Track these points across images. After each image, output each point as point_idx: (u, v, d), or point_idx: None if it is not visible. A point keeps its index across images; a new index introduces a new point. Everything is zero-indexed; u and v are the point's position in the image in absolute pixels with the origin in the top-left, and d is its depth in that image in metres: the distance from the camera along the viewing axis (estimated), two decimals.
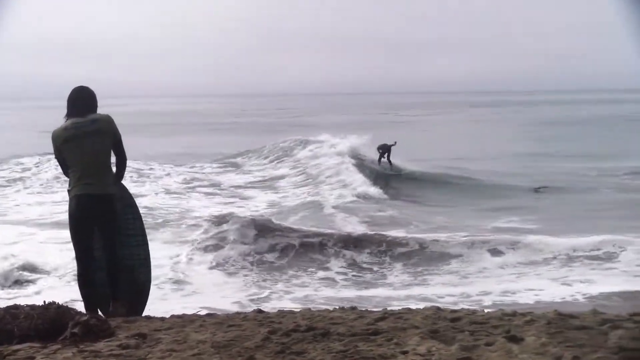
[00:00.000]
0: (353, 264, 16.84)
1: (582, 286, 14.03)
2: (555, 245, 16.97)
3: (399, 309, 8.27)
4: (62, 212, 20.45)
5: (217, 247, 17.35)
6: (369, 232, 18.90)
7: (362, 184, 28.57)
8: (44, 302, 7.19)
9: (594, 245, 16.82)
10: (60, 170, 8.95)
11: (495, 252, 17.12)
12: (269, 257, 16.91)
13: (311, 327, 6.82)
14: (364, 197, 26.47)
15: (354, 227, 20.15)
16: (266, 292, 14.53)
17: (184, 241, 18.14)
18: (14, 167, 35.51)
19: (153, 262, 9.41)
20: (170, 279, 14.97)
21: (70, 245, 8.63)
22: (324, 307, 10.20)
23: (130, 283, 8.77)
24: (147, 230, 9.22)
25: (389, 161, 32.49)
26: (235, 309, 12.43)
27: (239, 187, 30.89)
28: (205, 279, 15.27)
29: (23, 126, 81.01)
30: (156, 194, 27.56)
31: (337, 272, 16.37)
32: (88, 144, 8.28)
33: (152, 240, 11.33)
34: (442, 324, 6.84)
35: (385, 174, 31.55)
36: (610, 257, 16.04)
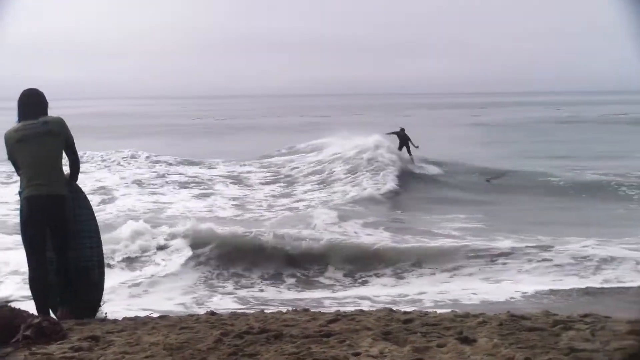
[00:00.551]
0: (295, 265, 16.78)
1: (518, 285, 14.12)
2: (486, 245, 16.97)
3: (351, 311, 8.33)
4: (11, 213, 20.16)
5: (163, 249, 17.16)
6: (311, 234, 18.70)
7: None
8: None
9: (528, 243, 17.00)
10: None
11: (429, 253, 17.00)
12: (214, 261, 16.73)
13: (264, 329, 6.81)
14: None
15: (292, 226, 19.94)
16: (212, 294, 14.44)
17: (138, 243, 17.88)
18: None
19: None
20: (122, 283, 14.79)
21: (22, 247, 8.50)
22: (274, 309, 10.20)
23: (85, 284, 8.69)
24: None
25: (410, 152, 31.23)
26: (179, 310, 12.37)
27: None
28: (152, 281, 15.10)
29: None
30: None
31: (280, 274, 16.33)
32: (39, 146, 8.18)
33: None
34: (394, 325, 6.90)
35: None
36: (542, 255, 16.13)
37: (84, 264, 8.73)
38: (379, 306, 10.51)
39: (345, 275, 16.11)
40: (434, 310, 8.91)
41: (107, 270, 9.46)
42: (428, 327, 6.81)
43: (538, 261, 15.44)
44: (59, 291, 8.49)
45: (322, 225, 20.14)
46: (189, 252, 16.77)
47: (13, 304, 7.25)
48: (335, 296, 14.22)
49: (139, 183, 30.43)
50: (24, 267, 8.87)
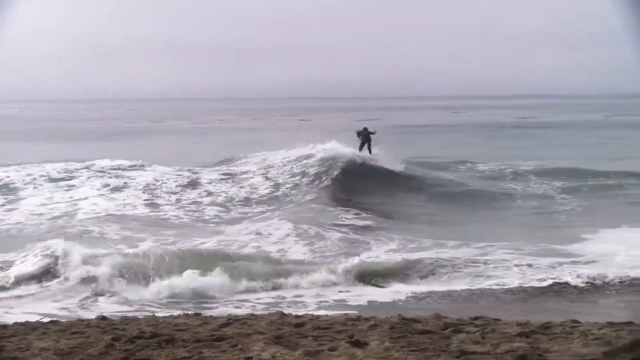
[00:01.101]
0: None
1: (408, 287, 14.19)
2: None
3: (243, 315, 8.38)
4: None
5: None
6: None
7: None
8: None
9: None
10: None
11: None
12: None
13: (155, 333, 6.80)
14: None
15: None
16: (96, 298, 13.98)
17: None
18: None
19: None
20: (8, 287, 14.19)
21: None
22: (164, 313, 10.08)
23: None
24: None
25: (370, 150, 30.24)
26: (64, 314, 12.05)
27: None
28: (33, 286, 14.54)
29: None
30: None
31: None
32: None
33: None
34: (286, 329, 7.01)
35: None
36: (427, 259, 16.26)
37: None
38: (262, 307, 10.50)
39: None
40: (326, 314, 9.04)
41: None
42: (320, 330, 6.93)
43: (423, 265, 15.62)
44: None
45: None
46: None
47: None
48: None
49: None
50: None
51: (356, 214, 22.04)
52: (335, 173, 28.37)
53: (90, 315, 9.91)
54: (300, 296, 13.23)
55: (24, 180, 26.77)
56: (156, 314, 8.94)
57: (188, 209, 22.89)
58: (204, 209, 22.98)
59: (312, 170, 28.96)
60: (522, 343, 6.30)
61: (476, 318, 7.59)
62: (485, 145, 48.62)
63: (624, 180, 27.62)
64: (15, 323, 7.86)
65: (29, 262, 14.77)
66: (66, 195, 24.50)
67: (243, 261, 14.81)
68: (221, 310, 10.52)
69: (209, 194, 25.52)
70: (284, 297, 13.22)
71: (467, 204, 24.35)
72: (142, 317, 8.49)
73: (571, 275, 13.30)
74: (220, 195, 25.24)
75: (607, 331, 6.81)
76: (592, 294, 12.34)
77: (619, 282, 12.90)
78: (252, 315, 8.45)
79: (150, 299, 12.67)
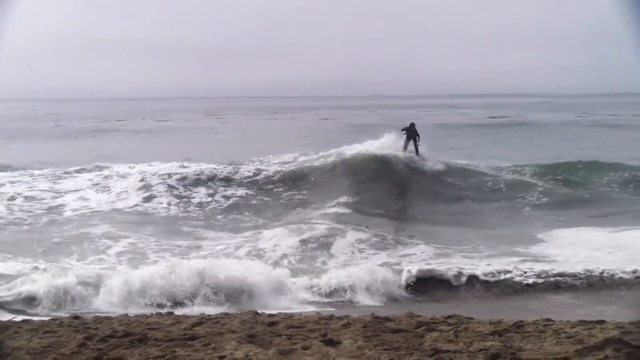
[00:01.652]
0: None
1: None
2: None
3: (216, 314, 8.38)
4: None
5: None
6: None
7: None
8: None
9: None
10: None
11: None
12: None
13: (128, 332, 6.81)
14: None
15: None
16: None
17: None
18: None
19: None
20: None
21: None
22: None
23: None
24: None
25: (416, 147, 28.12)
26: (35, 312, 11.94)
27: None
28: None
29: None
30: None
31: None
32: None
33: None
34: (259, 328, 7.04)
35: None
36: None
37: None
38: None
39: None
40: (299, 312, 9.08)
41: None
42: (293, 329, 6.97)
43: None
44: None
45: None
46: None
47: None
48: None
49: None
50: None
51: None
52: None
53: (63, 314, 9.88)
54: None
55: None
56: (129, 314, 8.91)
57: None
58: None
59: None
60: (495, 342, 6.37)
61: (449, 317, 7.65)
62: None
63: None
64: None
65: None
66: None
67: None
68: (194, 309, 10.47)
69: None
70: None
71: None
72: (114, 316, 8.48)
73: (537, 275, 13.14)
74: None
75: (580, 329, 6.91)
76: (562, 293, 12.36)
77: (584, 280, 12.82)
78: (225, 314, 8.47)
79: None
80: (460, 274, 12.70)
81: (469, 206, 22.91)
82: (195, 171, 26.13)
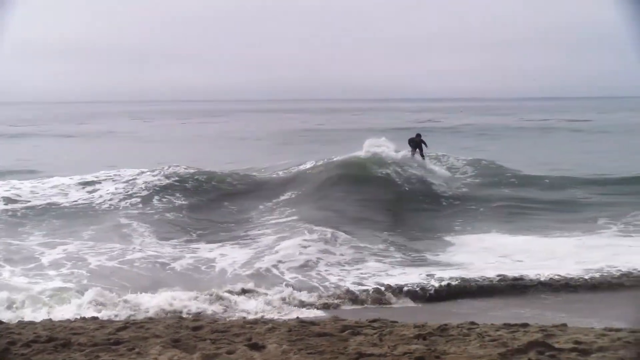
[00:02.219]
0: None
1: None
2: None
3: (141, 319, 8.41)
4: None
5: None
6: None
7: None
8: None
9: None
10: None
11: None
12: None
13: (52, 337, 6.77)
14: None
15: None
16: None
17: None
18: None
19: None
20: None
21: None
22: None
23: None
24: None
25: (422, 155, 30.33)
26: None
27: None
28: None
29: None
30: None
31: None
32: None
33: None
34: (184, 332, 7.08)
35: None
36: None
37: None
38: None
39: None
40: (224, 317, 9.14)
41: None
42: (217, 333, 7.02)
43: None
44: None
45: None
46: None
47: None
48: None
49: None
50: None
51: None
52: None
53: None
54: None
55: None
56: (52, 318, 8.85)
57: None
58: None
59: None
60: (419, 345, 6.48)
61: (374, 320, 7.75)
62: None
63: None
64: None
65: None
66: None
67: None
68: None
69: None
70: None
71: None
72: (38, 321, 8.43)
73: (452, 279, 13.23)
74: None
75: (504, 332, 7.06)
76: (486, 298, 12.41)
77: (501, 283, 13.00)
78: (150, 319, 8.48)
79: None
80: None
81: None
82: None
